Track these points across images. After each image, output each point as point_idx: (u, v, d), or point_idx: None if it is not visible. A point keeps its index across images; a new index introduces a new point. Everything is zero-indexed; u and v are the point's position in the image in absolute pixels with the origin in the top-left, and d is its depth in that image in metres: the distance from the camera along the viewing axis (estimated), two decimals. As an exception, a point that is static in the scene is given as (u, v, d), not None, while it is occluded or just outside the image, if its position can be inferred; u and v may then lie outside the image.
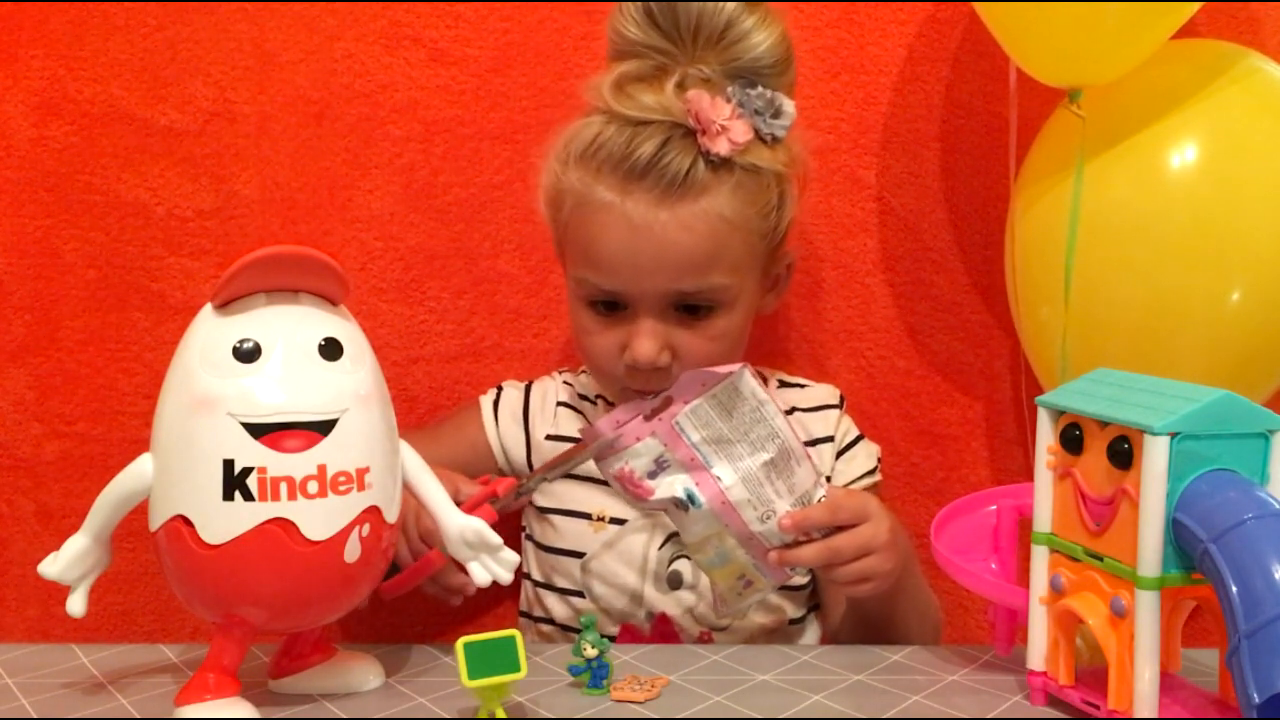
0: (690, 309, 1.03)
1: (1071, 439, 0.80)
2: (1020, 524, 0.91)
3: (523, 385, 1.20)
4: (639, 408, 0.93)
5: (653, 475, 0.91)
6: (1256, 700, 0.66)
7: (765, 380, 1.19)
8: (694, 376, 0.91)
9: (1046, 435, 0.82)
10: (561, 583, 1.12)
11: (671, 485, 0.91)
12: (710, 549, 0.92)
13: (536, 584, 1.14)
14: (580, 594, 1.10)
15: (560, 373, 1.22)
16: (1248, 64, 1.11)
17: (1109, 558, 0.77)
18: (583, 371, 1.21)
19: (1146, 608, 0.74)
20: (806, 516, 0.91)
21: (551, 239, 1.13)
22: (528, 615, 1.17)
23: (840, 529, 0.92)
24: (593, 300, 1.05)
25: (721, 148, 0.99)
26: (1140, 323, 1.08)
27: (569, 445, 1.14)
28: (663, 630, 1.09)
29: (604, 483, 1.09)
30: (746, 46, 1.02)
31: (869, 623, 1.04)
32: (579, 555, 1.10)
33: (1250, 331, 1.07)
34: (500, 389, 1.20)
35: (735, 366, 0.90)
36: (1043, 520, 0.83)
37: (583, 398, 1.18)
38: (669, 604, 1.09)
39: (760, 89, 1.02)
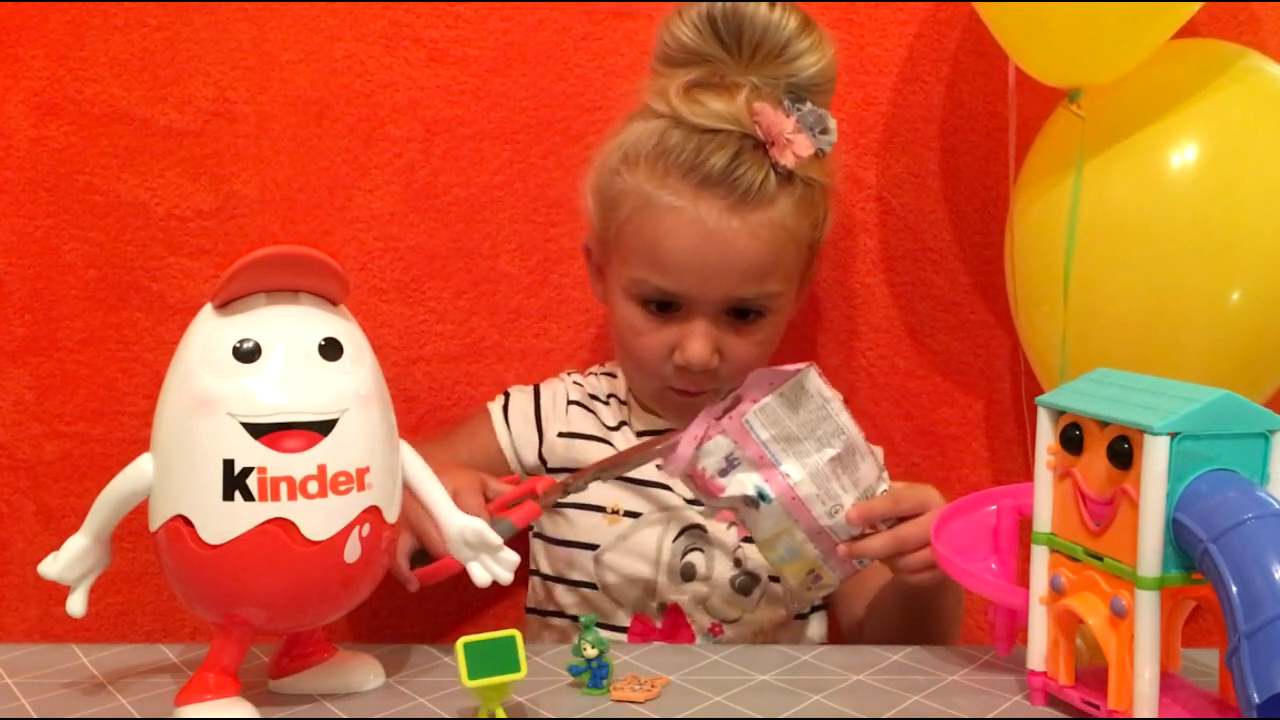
0: (740, 313, 1.06)
1: (1071, 439, 0.80)
2: (1020, 524, 0.91)
3: (530, 388, 1.20)
4: (711, 412, 0.94)
5: (724, 473, 0.92)
6: (1256, 700, 0.66)
7: None
8: (762, 375, 0.92)
9: (1046, 435, 0.82)
10: (574, 575, 1.12)
11: (742, 483, 0.92)
12: (781, 545, 0.94)
13: (547, 578, 1.14)
14: (594, 585, 1.10)
15: (569, 374, 1.22)
16: (1247, 64, 1.11)
17: (1109, 558, 0.77)
18: (591, 372, 1.21)
19: (1146, 608, 0.74)
20: (871, 509, 0.93)
21: (593, 238, 1.14)
22: (536, 611, 1.17)
23: (903, 519, 0.94)
24: (646, 300, 1.07)
25: (789, 161, 1.02)
26: (1140, 322, 1.08)
27: (582, 440, 1.15)
28: (674, 620, 1.09)
29: (618, 477, 1.10)
30: (802, 65, 1.06)
31: (916, 610, 1.04)
32: (593, 548, 1.10)
33: (1250, 331, 1.07)
34: (508, 395, 1.20)
35: (802, 365, 0.92)
36: (1043, 520, 0.83)
37: (593, 397, 1.18)
38: (681, 595, 1.09)
39: (809, 105, 1.05)
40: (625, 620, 1.10)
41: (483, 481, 1.01)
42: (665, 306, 1.06)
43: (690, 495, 1.08)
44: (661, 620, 1.09)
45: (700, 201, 1.02)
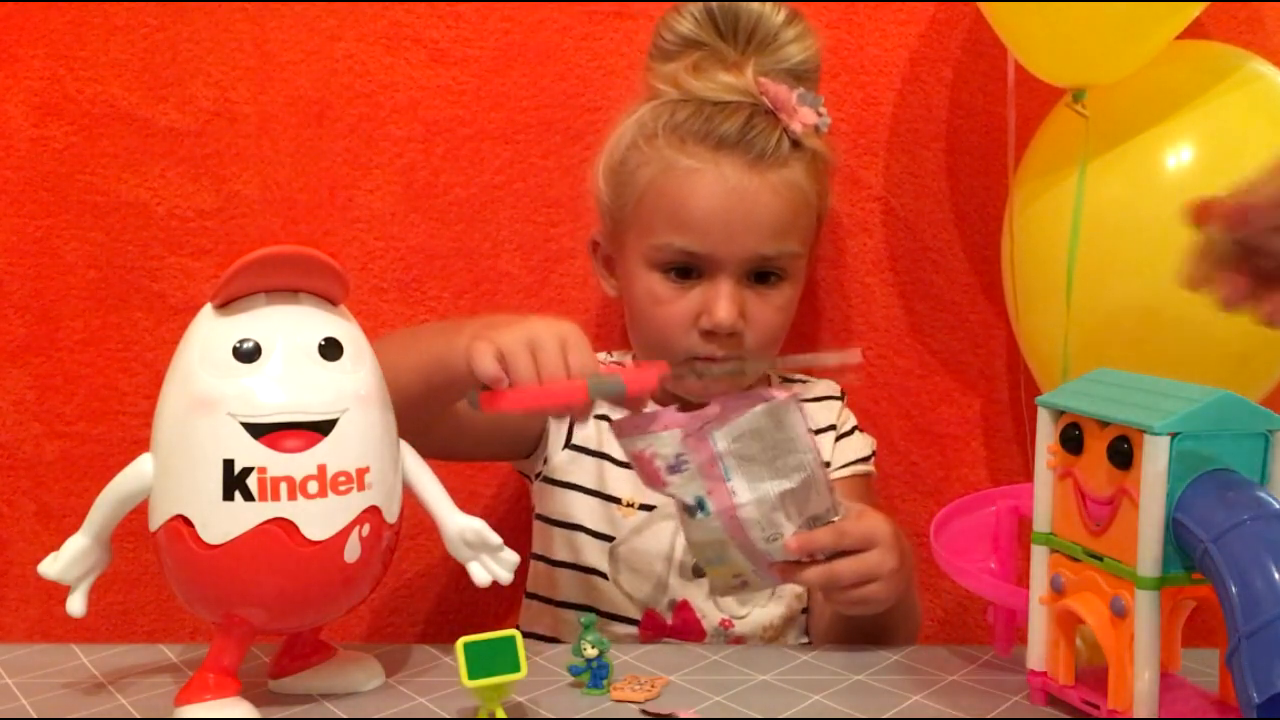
0: (762, 277, 1.09)
1: (1071, 439, 0.80)
2: (1020, 524, 0.91)
3: None
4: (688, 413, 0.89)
5: (672, 470, 0.88)
6: (1256, 700, 0.66)
7: (769, 377, 1.20)
8: (744, 396, 0.89)
9: (1046, 435, 0.82)
10: (579, 560, 1.10)
11: (685, 489, 0.88)
12: (711, 551, 0.90)
13: (557, 564, 1.12)
14: (603, 575, 1.09)
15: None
16: (1247, 68, 1.11)
17: (1109, 558, 0.77)
18: (602, 360, 1.19)
19: (1146, 608, 0.74)
20: (813, 540, 0.88)
21: (604, 224, 1.14)
22: (538, 597, 1.14)
23: (845, 553, 0.90)
24: (668, 267, 1.08)
25: (798, 126, 1.07)
26: (1136, 322, 1.07)
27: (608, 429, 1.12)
28: (684, 617, 1.08)
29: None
30: (791, 52, 1.11)
31: (856, 630, 1.01)
32: (600, 536, 1.09)
33: (1246, 330, 1.07)
34: None
35: (785, 395, 0.88)
36: (1043, 520, 0.83)
37: None
38: (692, 591, 1.08)
39: (802, 89, 1.09)
40: (636, 614, 1.09)
41: (591, 354, 0.88)
42: (687, 273, 1.08)
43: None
44: (671, 616, 1.09)
45: (721, 161, 1.06)
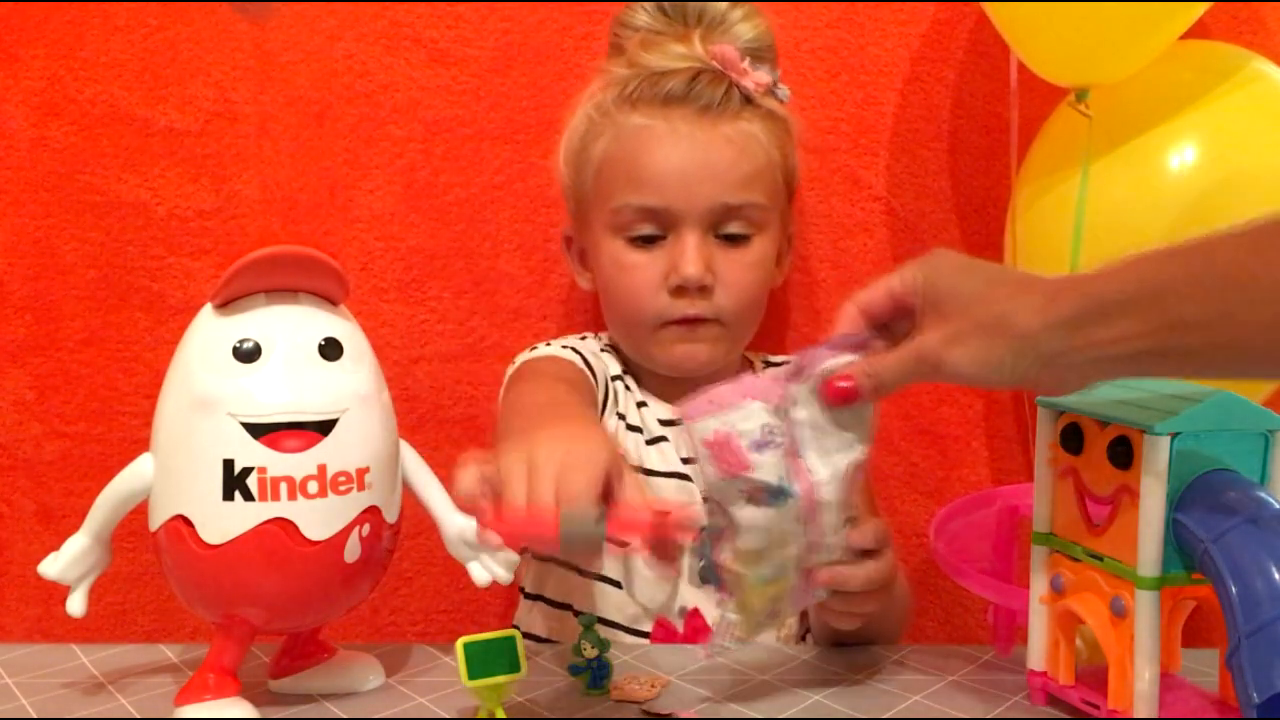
0: (730, 238, 1.08)
1: (1071, 439, 0.80)
2: (1020, 524, 0.91)
3: (565, 346, 1.11)
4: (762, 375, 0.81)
5: (759, 447, 0.76)
6: (1256, 700, 0.66)
7: (753, 364, 1.19)
8: (819, 353, 0.79)
9: (1046, 435, 0.82)
10: (596, 567, 1.09)
11: (772, 468, 0.76)
12: (767, 561, 0.79)
13: (565, 566, 1.10)
14: (614, 582, 1.08)
15: (583, 337, 1.16)
16: (1250, 68, 1.11)
17: (1109, 558, 0.77)
18: (605, 349, 1.17)
19: (1146, 608, 0.74)
20: (866, 535, 0.83)
21: (571, 213, 1.14)
22: (542, 599, 1.13)
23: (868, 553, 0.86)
24: (633, 233, 1.08)
25: (749, 84, 1.08)
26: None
27: (627, 430, 1.09)
28: (695, 625, 1.08)
29: (652, 474, 1.08)
30: (742, 30, 1.13)
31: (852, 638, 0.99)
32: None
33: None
34: (564, 346, 1.11)
35: (861, 348, 0.78)
36: (1043, 520, 0.83)
37: (625, 372, 1.15)
38: (703, 598, 1.08)
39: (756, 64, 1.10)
40: (647, 622, 1.08)
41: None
42: (652, 239, 1.07)
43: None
44: (683, 624, 1.08)
45: (671, 115, 1.06)
